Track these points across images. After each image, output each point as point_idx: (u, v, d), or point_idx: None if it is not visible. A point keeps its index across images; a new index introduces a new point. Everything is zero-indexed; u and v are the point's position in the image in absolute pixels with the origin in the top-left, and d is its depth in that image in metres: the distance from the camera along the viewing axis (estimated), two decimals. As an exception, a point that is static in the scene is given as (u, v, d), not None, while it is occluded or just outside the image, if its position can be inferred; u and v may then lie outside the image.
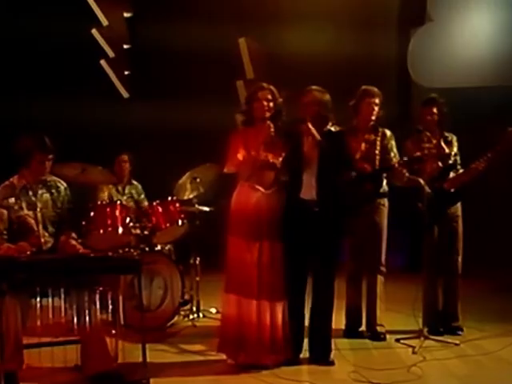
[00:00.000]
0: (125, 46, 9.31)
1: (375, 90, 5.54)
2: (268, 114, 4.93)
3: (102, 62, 9.00)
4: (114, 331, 4.66)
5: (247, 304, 4.82)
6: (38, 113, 8.10)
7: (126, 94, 9.18)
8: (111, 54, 8.99)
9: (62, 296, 4.23)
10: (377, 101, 5.50)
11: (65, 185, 4.88)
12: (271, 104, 4.94)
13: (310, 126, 4.82)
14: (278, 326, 4.85)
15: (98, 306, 4.36)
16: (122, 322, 4.78)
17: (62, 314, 4.25)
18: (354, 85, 5.62)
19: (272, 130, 4.88)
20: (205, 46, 8.45)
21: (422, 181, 5.43)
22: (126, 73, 9.27)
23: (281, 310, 4.86)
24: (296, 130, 4.90)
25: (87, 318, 4.30)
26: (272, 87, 5.00)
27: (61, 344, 4.57)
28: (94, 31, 8.84)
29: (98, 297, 4.36)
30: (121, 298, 4.63)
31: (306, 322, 5.09)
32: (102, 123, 8.31)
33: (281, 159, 4.90)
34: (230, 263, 4.93)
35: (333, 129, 4.99)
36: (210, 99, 8.16)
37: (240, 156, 4.88)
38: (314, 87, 4.99)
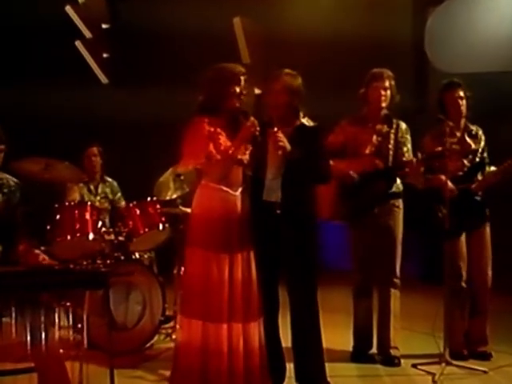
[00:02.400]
0: (103, 26, 9.29)
1: (384, 71, 5.42)
2: (240, 105, 4.67)
3: (78, 43, 8.95)
4: (76, 353, 4.47)
5: (215, 329, 4.53)
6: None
7: (104, 80, 9.14)
8: (88, 34, 8.96)
9: (13, 315, 4.04)
10: (386, 84, 5.37)
11: (17, 182, 4.61)
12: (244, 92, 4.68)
13: (280, 135, 4.58)
14: (253, 352, 4.61)
15: (56, 325, 4.17)
16: (90, 343, 4.63)
17: (13, 336, 4.06)
18: (365, 71, 5.52)
19: (257, 129, 4.58)
20: (194, 27, 8.45)
21: (443, 178, 5.28)
22: (105, 56, 9.24)
23: (256, 331, 4.62)
24: (262, 120, 4.70)
25: (43, 340, 4.09)
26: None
27: (10, 373, 4.27)
28: (68, 8, 8.81)
29: (56, 315, 4.17)
30: (85, 315, 4.43)
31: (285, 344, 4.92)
32: (76, 112, 8.33)
33: (248, 153, 4.68)
34: (191, 280, 4.64)
35: (306, 123, 4.77)
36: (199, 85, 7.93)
37: (207, 151, 4.55)
38: (285, 71, 4.77)
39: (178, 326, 5.01)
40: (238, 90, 4.63)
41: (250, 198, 4.73)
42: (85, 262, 4.81)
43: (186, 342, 4.61)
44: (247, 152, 4.69)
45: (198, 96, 4.73)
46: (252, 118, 4.60)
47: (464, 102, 5.45)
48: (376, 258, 5.46)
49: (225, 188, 4.65)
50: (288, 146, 4.58)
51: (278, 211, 4.67)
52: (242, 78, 4.68)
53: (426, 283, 7.50)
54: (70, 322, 4.23)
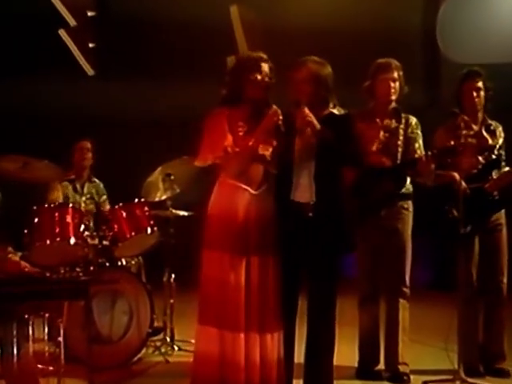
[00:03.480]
0: (89, 13, 9.31)
1: (391, 61, 5.37)
2: (264, 94, 4.68)
3: (62, 31, 8.99)
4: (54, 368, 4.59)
5: (232, 339, 4.56)
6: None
7: (90, 72, 9.19)
8: (72, 22, 9.03)
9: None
10: (395, 75, 5.33)
11: None
12: (269, 81, 4.69)
13: (307, 111, 4.61)
14: (270, 365, 4.63)
15: (31, 338, 4.24)
16: (71, 357, 4.77)
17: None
18: (371, 63, 5.49)
19: (280, 118, 4.62)
20: (188, 15, 8.53)
21: (456, 175, 5.24)
22: (91, 45, 9.28)
23: (275, 343, 4.65)
24: (288, 113, 4.71)
25: (15, 355, 4.13)
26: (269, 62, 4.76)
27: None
28: (51, -6, 8.93)
29: (31, 327, 4.25)
30: (63, 327, 4.53)
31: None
32: (59, 107, 8.34)
33: (271, 149, 4.68)
34: (207, 286, 4.67)
35: (336, 111, 4.80)
36: (194, 79, 8.22)
37: (229, 145, 4.59)
38: (311, 58, 4.79)
39: (193, 340, 5.03)
40: (258, 77, 4.63)
41: (275, 198, 4.72)
42: (62, 270, 4.85)
43: (203, 351, 4.65)
44: (270, 148, 4.69)
45: (220, 89, 4.80)
46: (274, 107, 4.63)
47: (482, 93, 5.42)
48: (383, 265, 5.42)
49: (244, 186, 4.66)
50: (317, 123, 4.60)
51: (310, 214, 4.65)
52: (264, 64, 4.67)
53: (438, 291, 7.51)
54: (47, 335, 4.39)
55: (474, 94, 5.39)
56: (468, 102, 5.41)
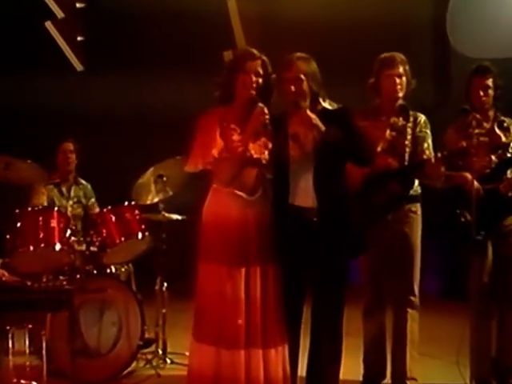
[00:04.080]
0: (78, 5, 9.23)
1: (396, 55, 5.33)
2: (254, 93, 4.69)
3: (48, 24, 8.90)
4: (35, 382, 4.71)
5: (231, 357, 4.56)
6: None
7: (78, 67, 9.12)
8: (60, 14, 8.91)
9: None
10: (400, 70, 5.28)
11: None
12: (260, 80, 4.70)
13: (309, 113, 4.66)
14: (275, 382, 4.64)
15: (10, 351, 4.42)
16: (55, 371, 4.86)
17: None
18: (378, 53, 5.44)
19: (266, 114, 4.63)
20: (183, 7, 8.40)
21: (468, 176, 5.20)
22: (80, 39, 9.21)
23: (280, 358, 4.66)
24: (280, 115, 4.78)
25: None
26: (264, 57, 4.76)
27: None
28: (37, -16, 8.85)
29: (11, 340, 4.42)
30: (45, 339, 4.65)
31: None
32: (45, 103, 8.24)
33: (267, 153, 4.70)
34: (204, 300, 4.68)
35: (328, 106, 4.82)
36: (188, 75, 8.07)
37: (215, 150, 4.62)
38: (297, 55, 4.82)
39: (188, 352, 5.03)
40: (247, 77, 4.66)
41: (272, 203, 4.76)
42: (44, 279, 4.76)
43: (198, 370, 4.64)
44: (266, 151, 4.69)
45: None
46: (261, 104, 4.64)
47: (490, 92, 5.39)
48: (390, 272, 5.39)
49: (239, 192, 4.67)
50: (321, 125, 4.63)
51: (315, 218, 4.66)
52: (252, 62, 4.69)
53: (448, 300, 7.54)
54: (29, 348, 4.52)
55: (481, 92, 5.36)
56: (476, 99, 5.38)
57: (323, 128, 4.62)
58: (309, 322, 4.85)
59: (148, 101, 8.32)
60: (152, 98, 8.43)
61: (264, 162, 4.69)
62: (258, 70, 4.68)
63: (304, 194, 4.71)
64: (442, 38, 8.59)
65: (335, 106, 4.84)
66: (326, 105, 4.80)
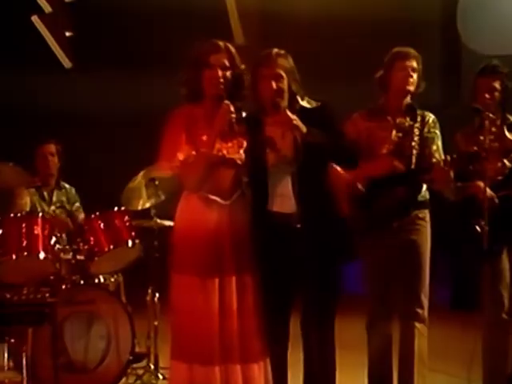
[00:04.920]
0: None
1: (410, 50, 5.32)
2: (223, 89, 4.65)
3: (35, 18, 8.77)
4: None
5: (205, 374, 4.54)
6: None
7: (67, 64, 8.95)
8: (47, 8, 8.76)
9: None
10: (414, 64, 5.24)
11: None
12: (228, 74, 4.63)
13: (290, 114, 4.61)
14: None
15: None
16: None
17: None
18: (383, 55, 5.39)
19: (232, 112, 4.61)
20: (178, 2, 8.52)
21: (481, 184, 5.15)
22: (68, 34, 9.03)
23: (261, 374, 4.64)
24: (253, 117, 4.78)
25: None
26: (231, 47, 4.72)
27: None
28: (22, -24, 8.82)
29: None
30: (25, 354, 4.67)
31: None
32: (32, 102, 8.51)
33: (242, 152, 4.67)
34: (176, 315, 4.68)
35: (307, 105, 4.80)
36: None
37: (181, 153, 4.59)
38: (274, 51, 4.76)
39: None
40: (213, 71, 4.60)
41: (250, 207, 4.74)
42: (25, 291, 4.78)
43: None
44: (241, 151, 4.65)
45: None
46: (226, 102, 4.59)
47: (496, 94, 5.37)
48: (396, 283, 5.33)
49: (212, 197, 4.63)
50: (303, 126, 4.60)
51: (298, 225, 4.63)
52: (217, 55, 4.62)
53: (458, 311, 7.56)
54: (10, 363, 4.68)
55: (487, 95, 5.35)
56: (481, 101, 5.36)
57: (304, 129, 4.60)
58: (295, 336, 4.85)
59: (140, 100, 8.38)
60: (145, 98, 8.50)
61: (239, 162, 4.65)
62: (224, 63, 4.61)
63: (283, 199, 4.70)
64: (453, 33, 8.69)
65: (314, 104, 4.80)
66: (305, 103, 4.77)
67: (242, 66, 4.68)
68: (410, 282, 5.28)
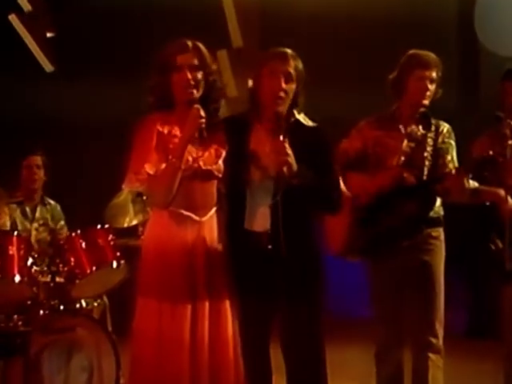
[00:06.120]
0: None
1: (431, 56, 5.32)
2: (195, 92, 4.53)
3: (12, 17, 8.89)
4: None
5: None
6: None
7: (48, 67, 9.06)
8: (27, 6, 8.89)
9: None
10: (433, 74, 5.25)
11: None
12: (199, 75, 4.53)
13: (286, 144, 4.48)
14: None
15: None
16: None
17: None
18: (395, 57, 5.45)
19: (202, 117, 4.49)
20: (171, 1, 8.48)
21: (501, 192, 5.15)
22: (49, 35, 9.19)
23: None
24: (239, 118, 4.73)
25: None
26: (200, 45, 4.62)
27: None
28: (-1, -29, 8.96)
29: None
30: None
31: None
32: (9, 109, 8.37)
33: (220, 162, 4.58)
34: (140, 344, 4.54)
35: (303, 120, 4.73)
36: None
37: (149, 166, 4.45)
38: (290, 50, 4.67)
39: None
40: (181, 74, 4.51)
41: (226, 224, 4.66)
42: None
43: None
44: (219, 161, 4.58)
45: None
46: (196, 106, 4.48)
47: None
48: (407, 308, 5.33)
49: (185, 212, 4.52)
50: (295, 164, 4.50)
51: (269, 246, 4.55)
52: (184, 55, 4.54)
53: (475, 340, 7.55)
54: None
55: (510, 98, 5.35)
56: (508, 107, 5.34)
57: (295, 167, 4.48)
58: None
59: (127, 107, 8.10)
60: (134, 105, 8.29)
61: (216, 173, 4.57)
62: (194, 64, 4.51)
63: (261, 217, 4.61)
64: (470, 33, 8.66)
65: (310, 122, 4.73)
66: (301, 118, 4.71)
67: (214, 66, 4.60)
68: (423, 308, 5.26)
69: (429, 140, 5.31)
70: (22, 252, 5.75)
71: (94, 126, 8.50)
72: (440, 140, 5.32)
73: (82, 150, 8.51)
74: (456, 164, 5.32)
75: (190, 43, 4.56)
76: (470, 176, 5.15)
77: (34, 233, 6.49)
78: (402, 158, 5.27)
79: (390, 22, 8.16)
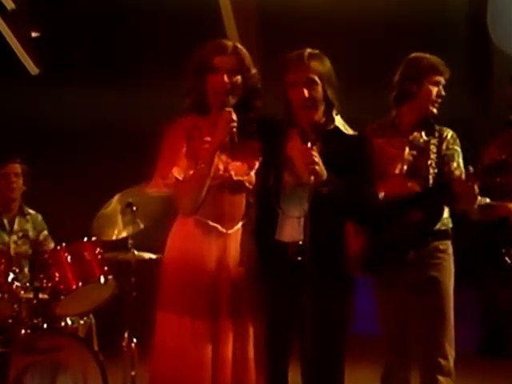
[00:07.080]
0: None
1: (440, 61, 5.37)
2: (230, 98, 4.53)
3: None
4: None
5: None
6: None
7: (33, 70, 9.14)
8: (10, 4, 9.00)
9: None
10: (443, 80, 5.34)
11: None
12: (237, 79, 4.52)
13: (314, 151, 4.48)
14: None
15: None
16: None
17: None
18: (401, 59, 5.48)
19: (233, 122, 4.50)
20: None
21: None
22: (34, 35, 9.25)
23: None
24: (277, 122, 4.69)
25: None
26: (241, 47, 4.59)
27: None
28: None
29: None
30: None
31: None
32: None
33: (253, 174, 4.59)
34: (160, 359, 4.58)
35: (342, 128, 4.70)
36: (169, 80, 7.80)
37: (177, 170, 4.49)
38: (308, 51, 4.63)
39: None
40: (217, 76, 4.50)
41: (255, 237, 4.65)
42: None
43: None
44: (251, 172, 4.58)
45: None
46: (228, 109, 4.48)
47: None
48: (414, 328, 5.33)
49: (212, 223, 4.54)
50: (324, 173, 4.49)
51: (299, 258, 4.55)
52: (223, 57, 4.51)
53: (486, 358, 7.55)
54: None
55: None
56: None
57: (325, 176, 4.47)
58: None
59: (119, 113, 8.31)
60: (124, 110, 8.42)
61: (248, 185, 4.57)
62: (232, 67, 4.51)
63: (292, 227, 4.60)
64: (482, 34, 8.71)
65: (350, 131, 4.73)
66: (341, 126, 4.69)
67: (254, 70, 4.57)
68: (431, 327, 5.26)
69: (432, 147, 5.33)
70: (1, 267, 5.78)
71: (80, 131, 8.52)
72: (444, 147, 5.34)
73: (67, 156, 8.50)
74: (463, 170, 5.28)
75: (230, 44, 4.54)
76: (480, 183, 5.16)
77: (12, 246, 6.51)
78: (405, 167, 5.28)
79: (397, 23, 8.17)
